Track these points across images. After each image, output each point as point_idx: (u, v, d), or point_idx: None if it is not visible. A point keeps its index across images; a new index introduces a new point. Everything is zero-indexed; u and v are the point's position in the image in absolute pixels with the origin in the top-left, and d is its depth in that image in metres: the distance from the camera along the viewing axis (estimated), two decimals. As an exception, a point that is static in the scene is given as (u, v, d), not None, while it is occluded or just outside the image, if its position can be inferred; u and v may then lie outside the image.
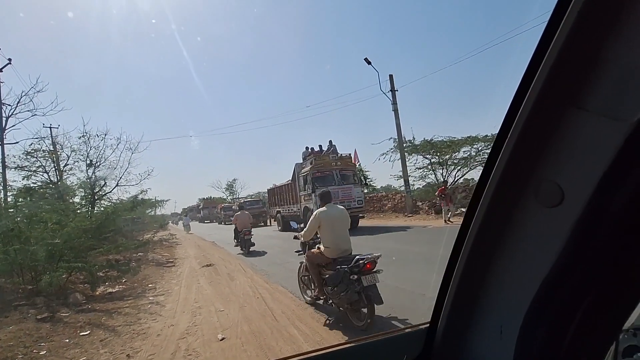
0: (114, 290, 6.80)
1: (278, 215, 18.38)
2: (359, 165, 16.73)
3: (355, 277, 3.52)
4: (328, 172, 13.81)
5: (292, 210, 16.62)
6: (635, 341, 0.58)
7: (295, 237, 5.06)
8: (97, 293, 6.58)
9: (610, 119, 0.39)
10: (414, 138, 18.76)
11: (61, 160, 13.38)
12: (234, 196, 49.36)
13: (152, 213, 24.97)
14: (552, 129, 0.45)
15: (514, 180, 0.52)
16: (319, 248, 4.19)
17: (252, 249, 10.49)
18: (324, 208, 4.26)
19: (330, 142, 16.30)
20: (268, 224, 23.79)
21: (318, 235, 4.26)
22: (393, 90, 17.14)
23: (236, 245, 11.84)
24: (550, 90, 0.43)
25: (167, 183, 73.65)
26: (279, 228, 18.13)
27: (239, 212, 11.82)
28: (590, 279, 0.50)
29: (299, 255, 4.79)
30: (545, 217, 0.50)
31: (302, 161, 16.01)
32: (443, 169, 18.18)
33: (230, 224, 14.18)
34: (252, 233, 10.69)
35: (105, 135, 13.06)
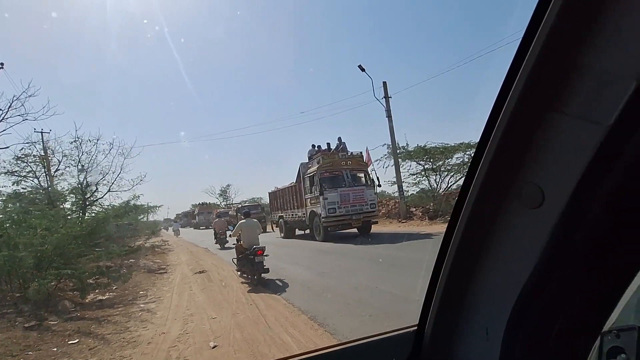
0: (104, 298, 6.69)
1: (280, 220, 16.97)
2: (372, 167, 15.08)
3: (252, 257, 6.62)
4: (337, 172, 12.53)
5: (296, 215, 15.04)
6: (618, 342, 0.59)
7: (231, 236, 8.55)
8: (87, 300, 6.46)
9: (588, 122, 0.41)
10: (407, 144, 18.87)
11: (52, 166, 13.22)
12: (228, 202, 49.05)
13: (145, 219, 24.71)
14: (533, 133, 0.47)
15: (496, 183, 0.54)
16: (241, 243, 7.19)
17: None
18: (244, 220, 7.54)
19: (340, 139, 14.80)
20: (268, 229, 22.08)
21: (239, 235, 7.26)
22: (387, 97, 17.28)
23: (216, 243, 14.93)
24: (530, 95, 0.45)
25: (160, 189, 72.79)
26: (282, 235, 16.73)
27: (217, 219, 15.03)
28: (571, 279, 0.51)
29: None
30: (527, 219, 0.51)
31: (307, 160, 14.46)
32: (436, 175, 18.29)
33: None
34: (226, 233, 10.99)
35: (98, 140, 12.90)
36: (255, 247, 6.71)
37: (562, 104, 0.43)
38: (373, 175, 13.55)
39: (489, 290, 0.60)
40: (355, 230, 12.85)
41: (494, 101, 0.49)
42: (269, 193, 19.08)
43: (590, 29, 0.39)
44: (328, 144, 15.01)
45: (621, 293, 0.52)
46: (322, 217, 12.05)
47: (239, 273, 7.51)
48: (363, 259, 8.35)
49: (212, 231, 15.04)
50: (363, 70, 17.01)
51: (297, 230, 15.82)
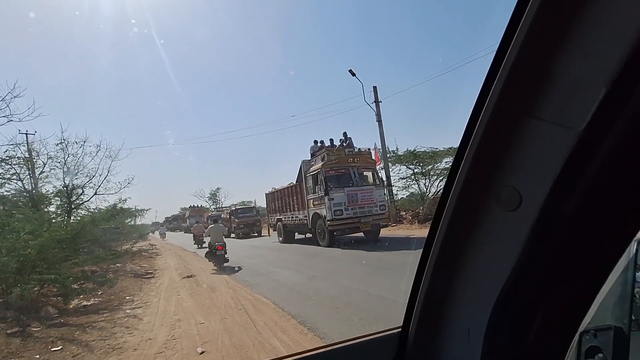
0: (88, 303, 6.54)
1: (279, 224, 15.44)
2: (381, 167, 14.15)
3: (214, 251, 9.60)
4: (344, 170, 11.36)
5: (296, 217, 13.67)
6: (596, 342, 0.61)
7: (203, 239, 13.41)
8: (71, 306, 6.31)
9: (561, 126, 0.43)
10: (397, 148, 19.03)
11: (37, 168, 12.91)
12: (218, 205, 48.59)
13: (132, 223, 24.28)
14: (509, 137, 0.49)
15: (476, 186, 0.55)
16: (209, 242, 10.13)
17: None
18: (212, 225, 10.41)
19: (345, 134, 13.45)
20: (264, 233, 21.09)
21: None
22: (377, 102, 17.44)
23: (195, 244, 17.38)
24: (507, 101, 0.47)
25: (148, 192, 71.48)
26: (280, 239, 15.38)
27: (195, 224, 17.65)
28: (548, 280, 0.53)
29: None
30: (505, 221, 0.53)
31: (309, 158, 13.07)
32: (426, 179, 18.48)
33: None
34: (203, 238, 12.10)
35: (85, 142, 12.62)
36: (217, 244, 9.66)
37: (537, 109, 0.45)
38: (382, 174, 12.58)
39: (469, 291, 0.61)
40: (361, 234, 11.65)
41: (473, 107, 0.51)
42: (266, 194, 17.64)
43: (562, 38, 0.40)
44: (331, 140, 13.52)
45: (596, 293, 0.53)
46: (327, 220, 10.89)
47: (212, 264, 9.98)
48: (357, 262, 8.36)
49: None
50: (354, 74, 17.14)
51: (296, 234, 14.77)
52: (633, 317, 0.62)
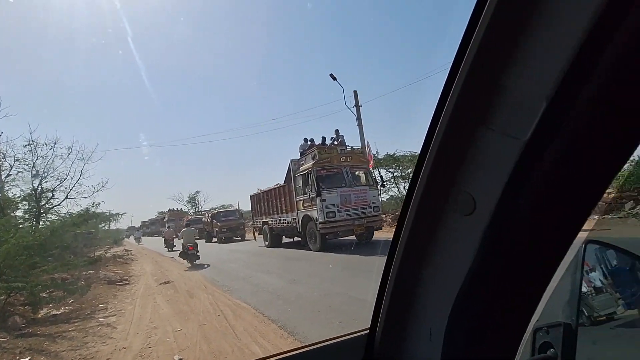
0: (59, 312, 6.26)
1: (265, 227, 14.56)
2: (374, 169, 13.40)
3: (186, 251, 11.32)
4: (336, 169, 10.79)
5: (284, 220, 12.83)
6: (548, 338, 0.66)
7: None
8: (40, 315, 6.03)
9: (509, 137, 0.47)
10: (377, 152, 19.28)
11: (3, 170, 12.28)
12: (197, 209, 47.66)
13: (106, 227, 23.49)
14: (465, 145, 0.52)
15: (435, 192, 0.59)
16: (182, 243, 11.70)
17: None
18: (185, 229, 12.11)
19: (337, 131, 12.77)
20: (249, 237, 19.89)
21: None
22: (357, 106, 17.62)
23: (165, 247, 19.29)
24: (462, 111, 0.51)
25: (124, 196, 68.98)
26: (266, 243, 14.44)
27: (166, 229, 21.18)
28: (500, 280, 0.57)
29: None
30: (462, 226, 0.57)
31: (299, 157, 12.28)
32: (405, 182, 18.81)
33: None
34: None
35: (55, 144, 12.11)
36: (189, 245, 11.42)
37: (489, 120, 0.49)
38: (376, 174, 12.15)
39: (431, 293, 0.65)
40: (353, 237, 11.05)
41: (432, 116, 0.55)
42: (251, 196, 16.60)
43: (509, 55, 0.44)
44: (323, 138, 12.69)
45: (543, 291, 0.58)
46: (319, 222, 10.21)
47: (185, 262, 11.52)
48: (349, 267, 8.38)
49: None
50: (334, 79, 17.25)
51: (284, 237, 13.97)
52: (584, 314, 0.68)
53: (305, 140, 12.74)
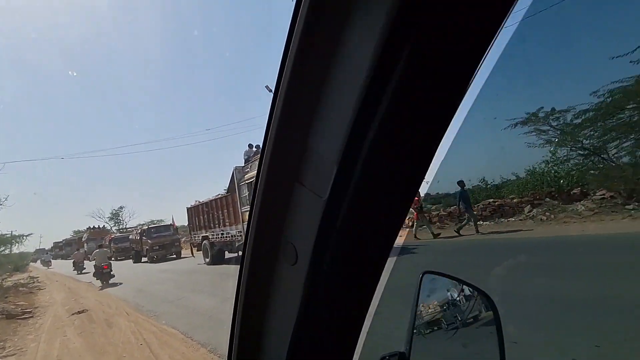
0: None
1: (205, 242, 13.33)
2: None
3: (101, 270, 12.31)
4: None
5: (228, 233, 11.90)
6: None
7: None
8: None
9: (315, 194, 0.51)
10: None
11: None
12: (121, 226, 43.47)
13: (6, 251, 20.21)
14: (285, 198, 0.56)
15: (265, 241, 0.62)
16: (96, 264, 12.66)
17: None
18: (97, 250, 13.54)
19: None
20: (186, 254, 18.43)
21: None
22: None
23: (74, 270, 18.70)
24: (279, 167, 0.55)
25: (29, 214, 60.08)
26: (207, 260, 13.26)
27: (76, 252, 20.86)
28: (321, 324, 0.61)
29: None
30: (289, 274, 0.60)
31: (244, 164, 11.55)
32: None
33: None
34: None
35: None
36: (103, 264, 12.35)
37: (302, 177, 0.53)
38: None
39: (269, 338, 0.68)
40: None
41: (258, 167, 0.59)
42: (188, 209, 15.30)
43: (311, 118, 0.49)
44: None
45: (360, 326, 0.63)
46: None
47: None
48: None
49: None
50: (271, 91, 17.19)
51: (227, 253, 12.90)
52: (418, 341, 0.75)
53: (250, 146, 11.98)
